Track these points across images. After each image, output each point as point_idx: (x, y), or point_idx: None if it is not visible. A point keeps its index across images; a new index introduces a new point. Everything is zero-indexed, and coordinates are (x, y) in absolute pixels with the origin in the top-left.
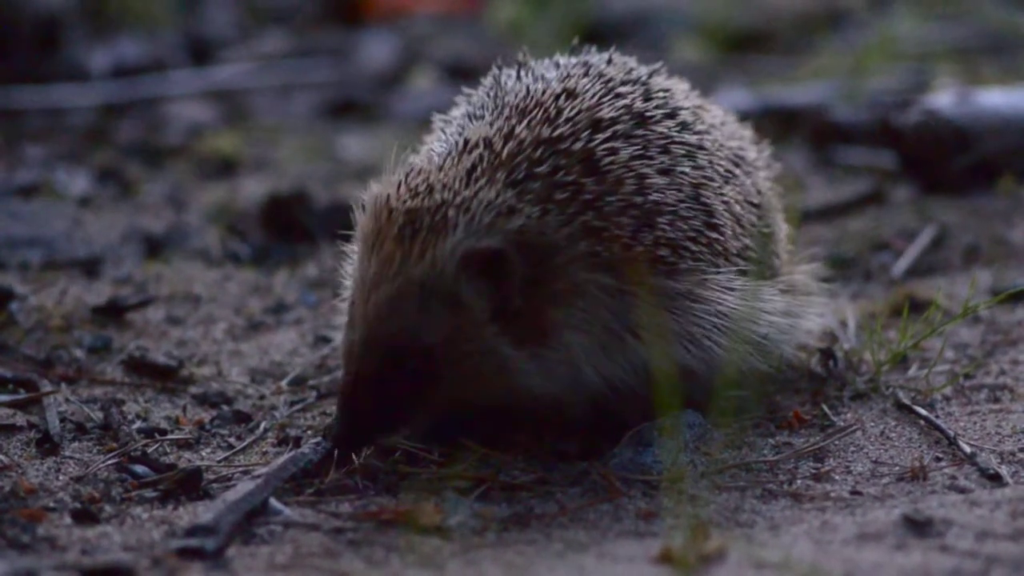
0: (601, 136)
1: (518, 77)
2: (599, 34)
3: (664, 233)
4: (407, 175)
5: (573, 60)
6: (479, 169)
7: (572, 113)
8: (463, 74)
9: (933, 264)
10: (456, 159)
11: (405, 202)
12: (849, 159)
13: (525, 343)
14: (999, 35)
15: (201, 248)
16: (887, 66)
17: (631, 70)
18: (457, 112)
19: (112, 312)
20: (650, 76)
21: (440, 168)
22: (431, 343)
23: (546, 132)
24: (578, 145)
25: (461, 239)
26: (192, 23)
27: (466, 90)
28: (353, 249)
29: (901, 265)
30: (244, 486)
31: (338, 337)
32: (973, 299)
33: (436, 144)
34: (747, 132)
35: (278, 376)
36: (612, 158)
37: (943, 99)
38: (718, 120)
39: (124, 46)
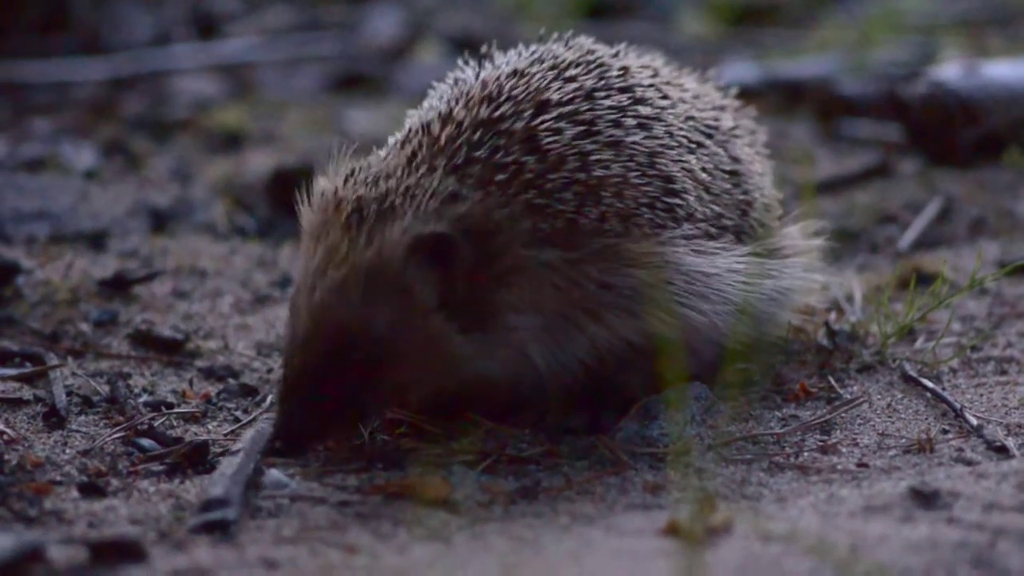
0: (545, 116)
1: (479, 67)
2: (605, 8)
3: (611, 205)
4: (354, 168)
5: (535, 47)
6: (419, 156)
7: (515, 93)
8: (469, 48)
9: (939, 237)
10: (399, 147)
11: (351, 192)
12: (855, 132)
13: (472, 329)
14: (1006, 7)
15: (207, 222)
16: (893, 38)
17: (590, 51)
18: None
19: (118, 286)
20: (613, 56)
21: (383, 158)
22: (377, 333)
23: (485, 113)
24: (519, 125)
25: (407, 226)
26: None
27: (434, 83)
28: (300, 243)
29: (908, 238)
30: (231, 460)
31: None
32: (980, 271)
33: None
34: (727, 103)
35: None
36: (555, 137)
37: (950, 71)
38: (689, 94)
39: (130, 19)
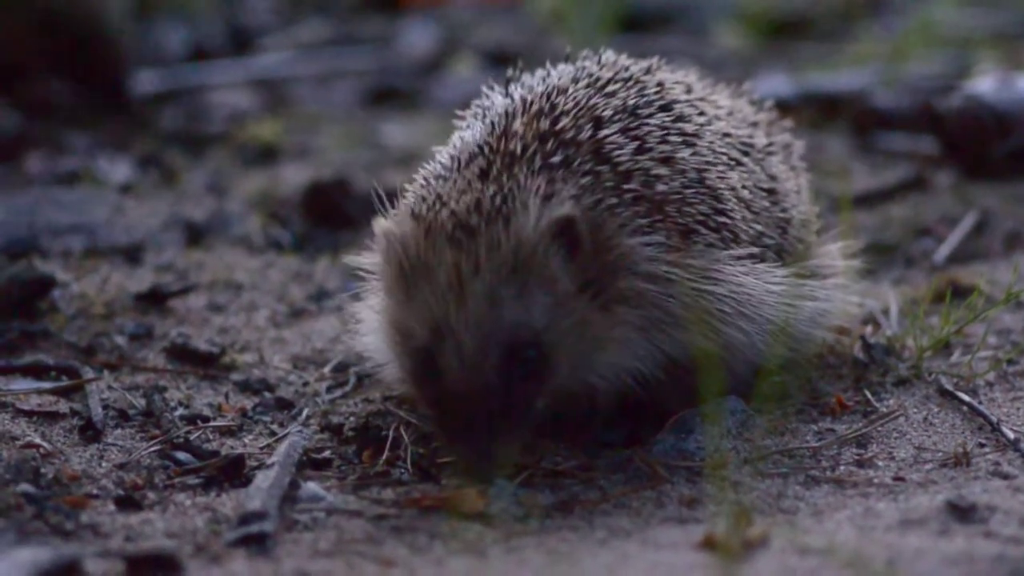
0: (604, 130)
1: (506, 92)
2: (640, 22)
3: (675, 221)
4: (421, 196)
5: (563, 65)
6: (494, 168)
7: (567, 108)
8: (503, 61)
9: (975, 250)
10: (460, 168)
11: (440, 213)
12: (890, 145)
13: (609, 311)
14: None
15: (243, 235)
16: (928, 52)
17: (624, 67)
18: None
19: (154, 299)
20: (646, 72)
21: (447, 180)
22: (539, 326)
23: (546, 125)
24: (584, 136)
25: (537, 215)
26: (233, 11)
27: (459, 112)
28: (379, 288)
29: (943, 251)
30: (268, 473)
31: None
32: (1016, 285)
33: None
34: (760, 118)
35: (320, 363)
36: (620, 151)
37: (984, 84)
38: (723, 111)
39: (166, 34)
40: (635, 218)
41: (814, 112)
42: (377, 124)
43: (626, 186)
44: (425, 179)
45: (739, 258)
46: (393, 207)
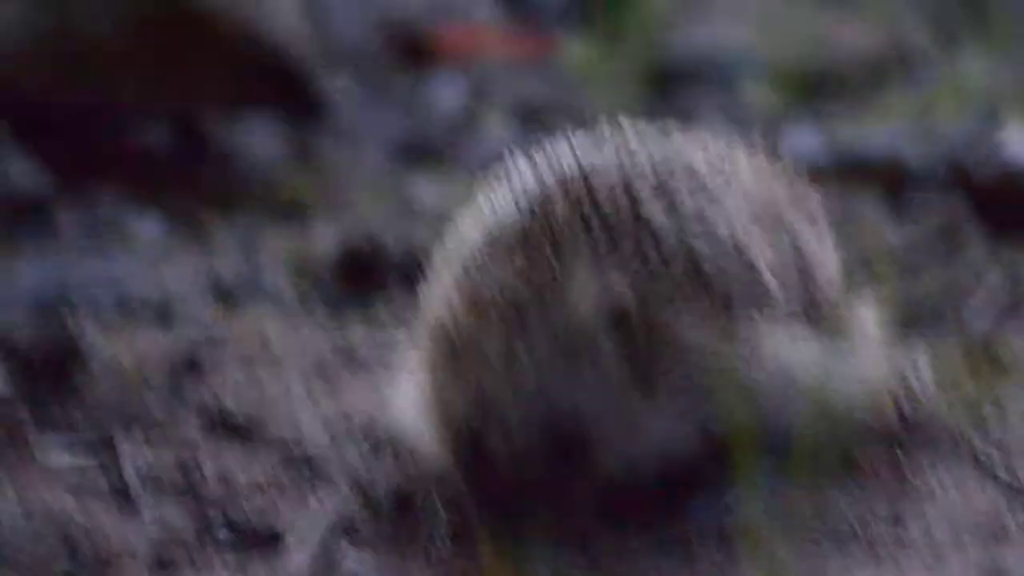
0: (640, 194)
1: (529, 165)
2: (670, 77)
3: (716, 292)
4: (462, 271)
5: (586, 137)
6: (537, 238)
7: (600, 171)
8: (534, 118)
9: (1009, 312)
10: (499, 242)
11: (485, 292)
12: (921, 203)
13: (656, 392)
14: None
15: (274, 294)
16: (958, 108)
17: (642, 134)
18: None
19: (185, 362)
20: (669, 140)
21: (488, 257)
22: (588, 411)
23: (586, 203)
24: (622, 203)
25: (591, 296)
26: None
27: (486, 182)
28: (421, 363)
29: (977, 314)
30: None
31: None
32: None
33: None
34: (781, 179)
35: (353, 428)
36: (658, 215)
37: (1015, 142)
38: (744, 174)
39: None
40: (679, 294)
41: (843, 171)
42: (407, 181)
43: (668, 261)
44: (465, 253)
45: (778, 324)
46: (428, 274)
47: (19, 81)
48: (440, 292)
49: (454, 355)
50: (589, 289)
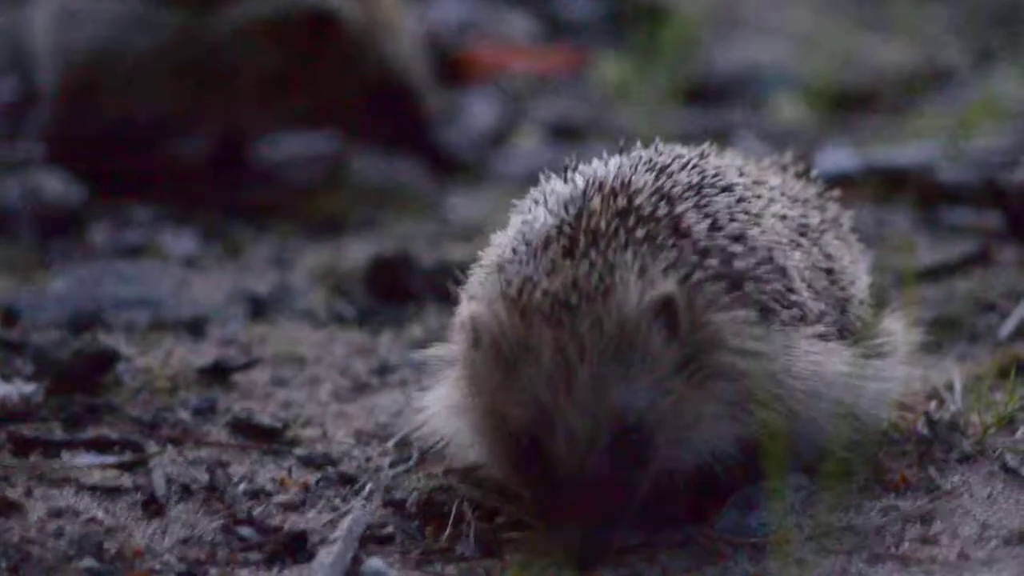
0: (679, 207)
1: (564, 179)
2: (704, 93)
3: (752, 298)
4: (507, 279)
5: (616, 157)
6: (579, 246)
7: (639, 186)
8: (567, 135)
9: None
10: (541, 249)
11: (532, 294)
12: (955, 219)
13: (703, 388)
14: None
15: (306, 309)
16: (992, 125)
17: (681, 155)
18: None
19: (218, 373)
20: (701, 157)
21: (527, 263)
22: (643, 408)
23: (623, 203)
24: (661, 212)
25: (639, 294)
26: None
27: (514, 201)
28: (465, 374)
29: (1008, 326)
30: (330, 548)
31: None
32: None
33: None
34: (810, 194)
35: (383, 437)
36: (698, 227)
37: None
38: (777, 191)
39: None
40: (720, 294)
41: (878, 186)
42: (440, 197)
43: (707, 262)
44: (499, 264)
45: (812, 337)
46: (461, 286)
47: (93, 96)
48: (484, 302)
49: (505, 363)
50: (633, 286)
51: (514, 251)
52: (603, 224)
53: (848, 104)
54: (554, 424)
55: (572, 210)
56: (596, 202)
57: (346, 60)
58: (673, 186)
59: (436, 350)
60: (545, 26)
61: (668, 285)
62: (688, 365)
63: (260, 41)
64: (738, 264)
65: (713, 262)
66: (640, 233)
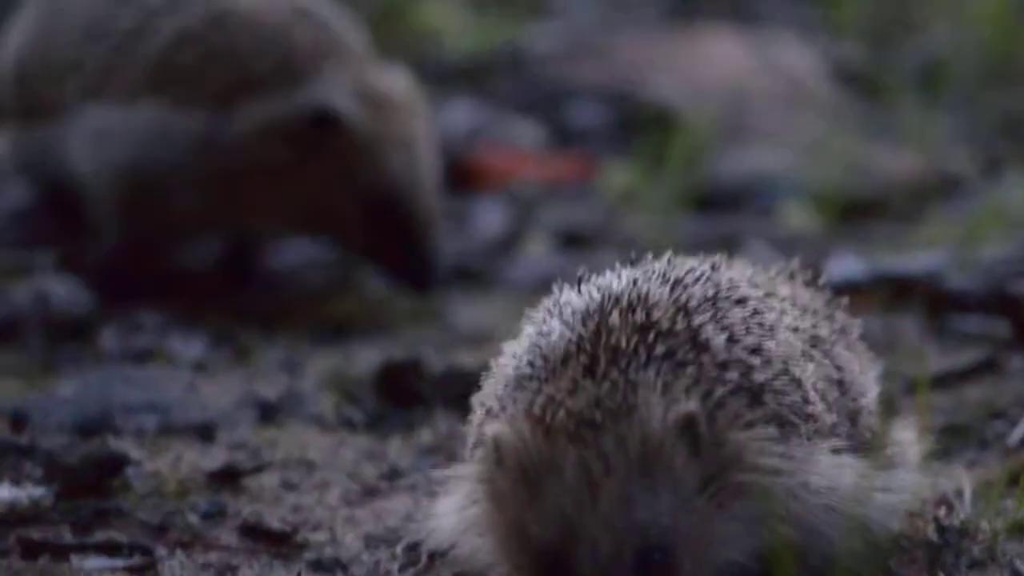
0: (696, 320)
1: (579, 291)
2: (711, 201)
3: (771, 411)
4: (529, 399)
5: (629, 269)
6: (600, 364)
7: (657, 300)
8: (576, 241)
9: None
10: (560, 366)
11: (556, 413)
12: (964, 327)
13: (725, 507)
14: None
15: (315, 414)
16: (1000, 234)
17: (691, 268)
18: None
19: (227, 478)
20: (713, 269)
21: (550, 380)
22: (667, 527)
23: (641, 317)
24: (680, 327)
25: (662, 409)
26: None
27: (527, 311)
28: (487, 492)
29: (1018, 433)
30: None
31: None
32: None
33: (507, 370)
34: (819, 304)
35: (392, 542)
36: (716, 340)
37: None
38: (787, 302)
39: None
40: (741, 410)
41: (886, 294)
42: (448, 303)
43: (727, 375)
44: (518, 379)
45: (828, 451)
46: (473, 396)
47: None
48: (506, 421)
49: (529, 482)
50: (657, 404)
51: (531, 365)
52: (623, 341)
53: (856, 212)
54: (579, 541)
55: (591, 325)
56: (615, 317)
57: (343, 166)
58: (689, 299)
59: (454, 468)
60: (553, 133)
61: (690, 404)
62: (710, 483)
63: (268, 140)
64: (757, 377)
65: (733, 375)
66: (660, 349)
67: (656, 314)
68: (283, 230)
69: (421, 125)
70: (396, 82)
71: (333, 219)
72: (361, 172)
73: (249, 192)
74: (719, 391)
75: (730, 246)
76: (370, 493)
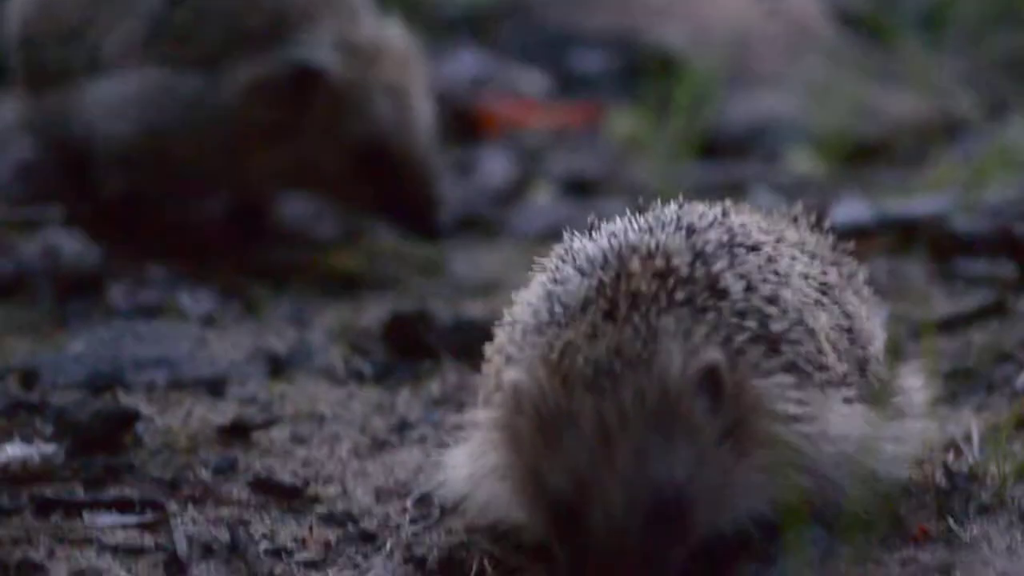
0: (714, 266)
1: (592, 238)
2: (717, 147)
3: (790, 359)
4: (547, 343)
5: (640, 218)
6: (620, 310)
7: (675, 246)
8: (582, 189)
9: None
10: (579, 312)
11: (574, 360)
12: (969, 270)
13: (747, 456)
14: None
15: (325, 367)
16: (1006, 176)
17: (703, 213)
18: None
19: (237, 432)
20: (724, 215)
21: (569, 326)
22: (684, 480)
23: (661, 263)
24: (700, 273)
25: (683, 359)
26: None
27: (536, 259)
28: (504, 438)
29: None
30: None
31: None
32: None
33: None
34: (825, 249)
35: (403, 494)
36: (734, 287)
37: None
38: (796, 249)
39: None
40: (761, 358)
41: (892, 238)
42: (455, 253)
43: (745, 324)
44: (537, 326)
45: (841, 400)
46: (486, 344)
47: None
48: (525, 367)
49: (546, 430)
50: (677, 353)
51: (550, 313)
52: (643, 286)
53: (861, 156)
54: (592, 494)
55: (609, 271)
56: (635, 263)
57: (329, 119)
58: (706, 244)
59: (467, 416)
60: (558, 81)
61: (712, 353)
62: (731, 433)
63: (256, 99)
64: (774, 326)
65: (752, 324)
66: (680, 295)
67: (675, 260)
68: (282, 189)
69: (413, 76)
70: (390, 34)
71: (328, 175)
72: (347, 123)
73: (245, 152)
74: (739, 339)
75: (736, 191)
76: (380, 446)
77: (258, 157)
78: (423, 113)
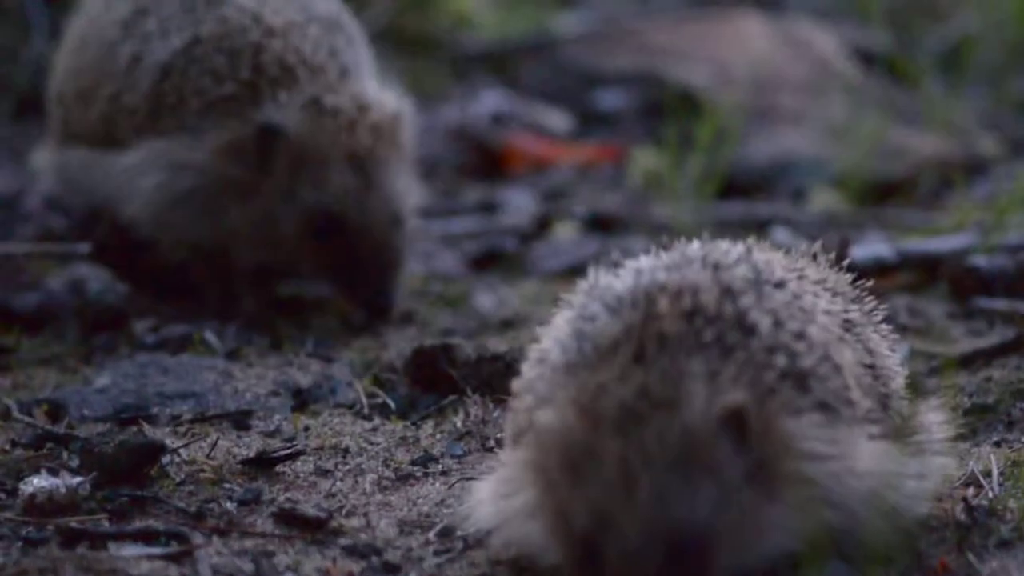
0: (742, 304)
1: (618, 275)
2: (738, 184)
3: (817, 397)
4: (578, 386)
5: (664, 252)
6: (648, 352)
7: (701, 284)
8: (605, 226)
9: None
10: (608, 353)
11: (604, 402)
12: (990, 308)
13: (773, 497)
14: None
15: (348, 401)
16: None
17: (727, 250)
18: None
19: (262, 464)
20: (748, 252)
21: (599, 367)
22: (704, 521)
23: (688, 303)
24: (728, 310)
25: (707, 401)
26: None
27: (563, 295)
28: (534, 476)
29: None
30: None
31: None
32: None
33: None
34: (848, 289)
35: (426, 527)
36: (763, 321)
37: None
38: (820, 287)
39: None
40: (789, 397)
41: (913, 276)
42: (479, 289)
43: (774, 361)
44: (566, 365)
45: (865, 437)
46: (520, 381)
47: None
48: (555, 407)
49: (568, 464)
50: (702, 396)
51: (580, 353)
52: (671, 327)
53: (883, 195)
54: (612, 532)
55: (637, 312)
56: (663, 304)
57: (287, 180)
58: (732, 281)
59: (495, 454)
60: (581, 120)
61: (738, 395)
62: (758, 472)
63: (227, 158)
64: (803, 362)
65: (781, 360)
66: (708, 335)
67: (703, 298)
68: (252, 257)
69: (392, 147)
70: (380, 99)
71: (285, 237)
72: (303, 187)
73: (219, 213)
74: (768, 377)
75: (758, 229)
76: (403, 479)
77: (231, 220)
78: (394, 188)
